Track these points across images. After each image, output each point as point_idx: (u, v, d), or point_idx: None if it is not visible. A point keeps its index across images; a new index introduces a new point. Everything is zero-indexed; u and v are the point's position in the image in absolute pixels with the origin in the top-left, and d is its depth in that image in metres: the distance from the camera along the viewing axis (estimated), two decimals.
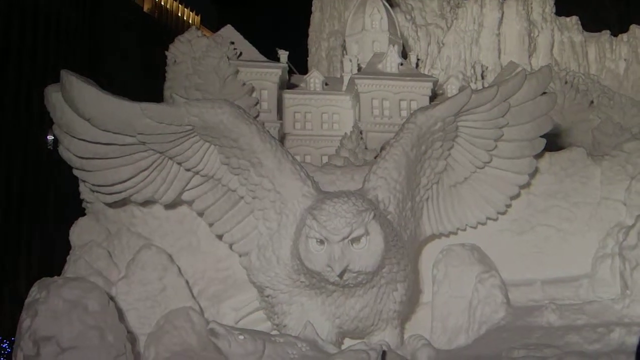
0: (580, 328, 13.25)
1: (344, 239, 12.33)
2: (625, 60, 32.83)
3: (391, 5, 25.91)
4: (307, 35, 31.56)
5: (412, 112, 16.14)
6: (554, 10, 32.96)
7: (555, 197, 15.82)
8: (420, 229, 14.97)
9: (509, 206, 15.54)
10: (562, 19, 33.72)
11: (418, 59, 25.85)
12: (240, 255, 14.44)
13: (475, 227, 15.55)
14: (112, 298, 13.41)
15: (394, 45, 23.48)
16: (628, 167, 15.69)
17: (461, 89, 18.93)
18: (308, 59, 30.80)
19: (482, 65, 28.35)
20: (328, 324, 13.61)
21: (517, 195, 15.50)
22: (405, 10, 29.13)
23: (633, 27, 35.49)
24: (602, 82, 27.31)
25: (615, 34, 35.00)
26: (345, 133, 20.57)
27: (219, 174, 14.08)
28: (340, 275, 12.55)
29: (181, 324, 13.75)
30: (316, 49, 30.29)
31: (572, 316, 13.82)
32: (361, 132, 21.22)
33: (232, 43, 22.04)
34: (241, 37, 22.94)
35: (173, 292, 14.21)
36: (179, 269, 14.61)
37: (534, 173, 15.43)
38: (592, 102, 23.29)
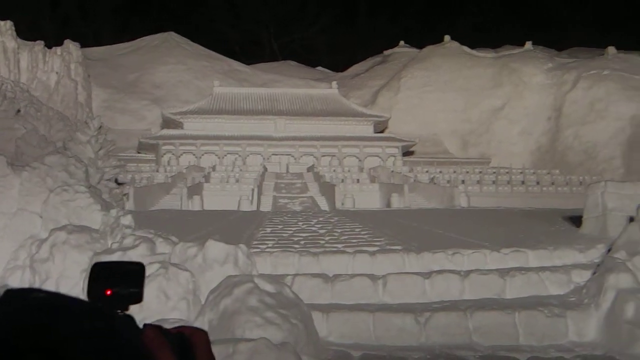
0: None
1: None
2: (57, 73, 33.65)
3: None
4: None
5: None
6: None
7: None
8: None
9: None
10: None
11: None
12: None
13: None
14: None
15: None
16: (48, 180, 15.92)
17: None
18: None
19: None
20: None
21: None
22: None
23: (67, 42, 36.62)
24: (32, 92, 27.44)
25: (50, 45, 35.57)
26: None
27: None
28: None
29: None
30: None
31: None
32: None
33: None
34: None
35: None
36: None
37: None
38: (19, 110, 23.16)
